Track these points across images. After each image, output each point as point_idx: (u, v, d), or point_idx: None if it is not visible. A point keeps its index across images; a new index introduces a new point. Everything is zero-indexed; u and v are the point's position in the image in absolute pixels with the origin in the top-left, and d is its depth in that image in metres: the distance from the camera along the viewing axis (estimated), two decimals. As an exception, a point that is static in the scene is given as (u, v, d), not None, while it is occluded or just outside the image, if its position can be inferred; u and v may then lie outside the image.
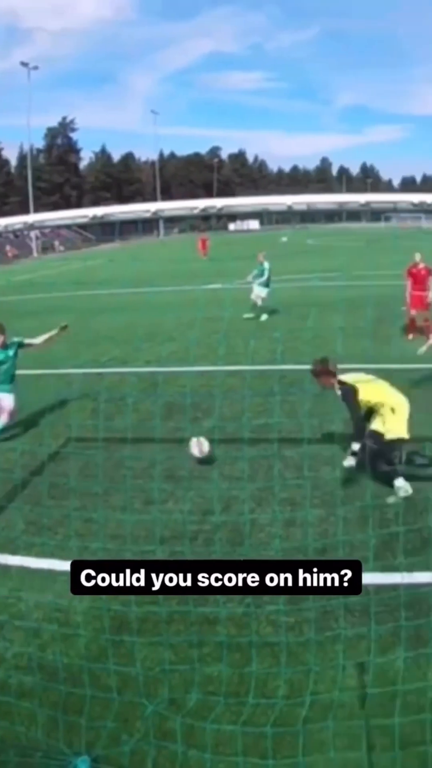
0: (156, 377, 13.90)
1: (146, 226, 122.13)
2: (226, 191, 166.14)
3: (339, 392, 9.20)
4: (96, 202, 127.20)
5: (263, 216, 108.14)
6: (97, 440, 9.57)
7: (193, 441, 9.81)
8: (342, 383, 9.19)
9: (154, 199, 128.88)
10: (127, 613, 5.92)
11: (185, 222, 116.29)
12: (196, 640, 5.61)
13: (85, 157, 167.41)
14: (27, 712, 4.92)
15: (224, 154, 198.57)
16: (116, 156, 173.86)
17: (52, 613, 6.18)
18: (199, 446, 9.76)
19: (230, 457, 9.53)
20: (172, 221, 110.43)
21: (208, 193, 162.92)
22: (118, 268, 51.83)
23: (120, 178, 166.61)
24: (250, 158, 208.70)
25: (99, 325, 22.78)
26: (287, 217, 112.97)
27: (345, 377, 9.30)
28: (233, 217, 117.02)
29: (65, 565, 6.83)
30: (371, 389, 9.17)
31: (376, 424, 9.03)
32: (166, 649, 5.54)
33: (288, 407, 11.70)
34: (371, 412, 9.15)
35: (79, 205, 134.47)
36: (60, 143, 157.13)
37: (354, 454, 9.01)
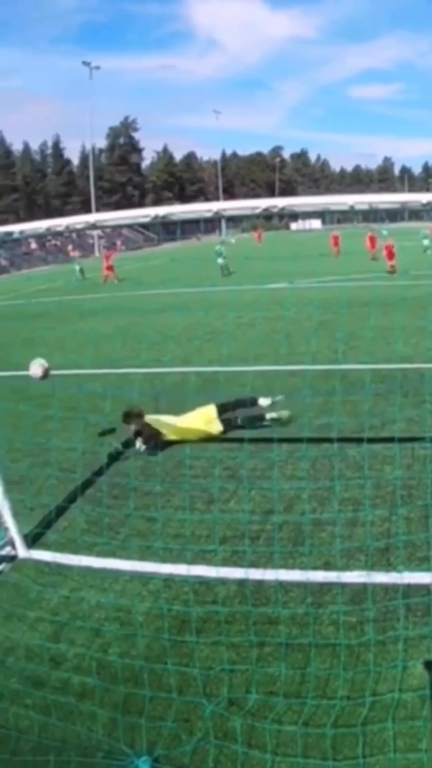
0: (217, 376, 13.88)
1: (208, 225, 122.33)
2: (287, 191, 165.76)
3: None
4: (158, 202, 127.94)
5: (325, 215, 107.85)
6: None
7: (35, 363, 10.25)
8: None
9: (216, 198, 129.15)
10: (188, 613, 5.92)
11: (247, 221, 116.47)
12: (257, 640, 5.57)
13: (147, 157, 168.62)
14: (88, 712, 4.94)
15: (286, 154, 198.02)
16: (178, 155, 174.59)
17: (113, 613, 6.20)
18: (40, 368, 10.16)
19: (292, 456, 9.45)
20: (233, 220, 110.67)
21: (270, 193, 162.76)
22: (179, 268, 51.97)
23: (182, 178, 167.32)
24: (313, 158, 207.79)
25: (160, 324, 22.88)
26: (349, 216, 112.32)
27: None
28: (295, 216, 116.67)
29: (127, 565, 6.92)
30: None
31: None
32: (226, 649, 5.51)
33: (349, 407, 11.58)
34: None
35: (141, 204, 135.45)
36: (122, 143, 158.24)
37: None
